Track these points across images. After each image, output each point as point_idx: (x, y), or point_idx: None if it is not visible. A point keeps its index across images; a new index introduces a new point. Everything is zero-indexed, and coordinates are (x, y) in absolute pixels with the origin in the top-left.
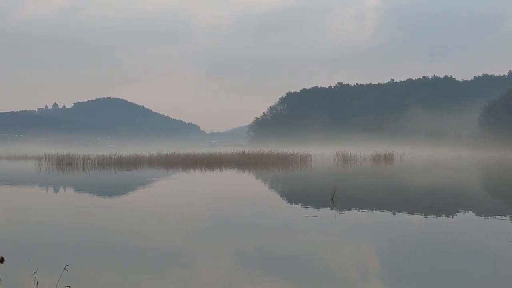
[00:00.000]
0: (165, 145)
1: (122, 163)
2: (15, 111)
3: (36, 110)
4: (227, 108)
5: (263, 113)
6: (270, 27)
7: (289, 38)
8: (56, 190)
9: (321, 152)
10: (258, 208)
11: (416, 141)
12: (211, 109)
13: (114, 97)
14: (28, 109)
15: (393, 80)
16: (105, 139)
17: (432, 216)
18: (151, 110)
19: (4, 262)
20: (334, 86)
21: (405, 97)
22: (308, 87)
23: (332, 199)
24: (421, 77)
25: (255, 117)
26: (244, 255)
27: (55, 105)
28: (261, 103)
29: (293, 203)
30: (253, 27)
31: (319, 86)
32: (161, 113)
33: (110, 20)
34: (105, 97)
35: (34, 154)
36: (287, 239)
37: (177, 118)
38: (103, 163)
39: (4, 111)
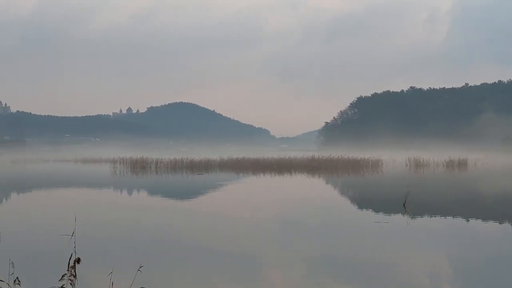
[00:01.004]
0: (235, 149)
1: (194, 166)
2: (91, 115)
3: (111, 114)
4: (297, 113)
5: (333, 117)
6: (339, 31)
7: (359, 42)
8: (130, 193)
9: (393, 157)
10: (328, 213)
11: (490, 147)
12: (281, 114)
13: (186, 102)
14: (103, 114)
15: (467, 84)
16: (177, 143)
17: (507, 223)
18: (222, 114)
19: (80, 262)
20: (406, 91)
21: (480, 102)
22: (379, 91)
23: (404, 205)
24: (496, 81)
25: (325, 122)
26: (313, 260)
27: (129, 109)
28: (331, 108)
29: (364, 209)
30: (323, 31)
31: (391, 91)
32: (231, 117)
33: (182, 26)
34: (178, 101)
35: (109, 158)
36: (358, 244)
37: (247, 123)
38: (175, 166)
39: (80, 116)
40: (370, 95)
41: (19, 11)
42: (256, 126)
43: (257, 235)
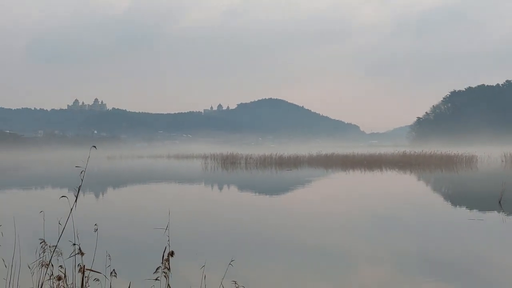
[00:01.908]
0: (324, 145)
1: (283, 162)
2: (183, 112)
3: (203, 111)
4: (387, 108)
5: (426, 112)
6: (431, 24)
7: (451, 35)
8: (220, 188)
9: (487, 153)
10: (420, 209)
11: None
12: (371, 109)
13: (275, 98)
14: (195, 111)
15: None
16: (266, 139)
17: None
18: (310, 110)
19: (174, 256)
20: (502, 84)
21: None
22: (473, 85)
23: (499, 202)
24: None
25: (417, 117)
26: (405, 257)
27: (219, 106)
28: (422, 103)
29: (458, 206)
30: (413, 24)
31: (485, 84)
32: (320, 113)
33: (270, 22)
34: (267, 98)
35: (200, 153)
36: (451, 241)
37: (336, 119)
38: (265, 162)
39: (173, 112)
40: (464, 89)
41: (115, 11)
42: (346, 122)
43: (348, 231)
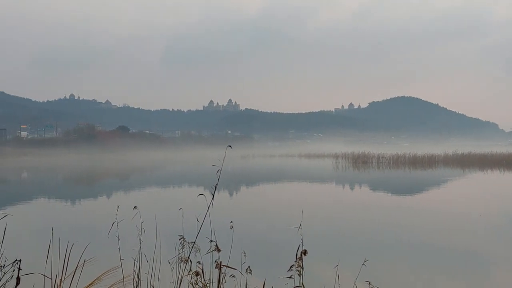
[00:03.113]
0: (460, 144)
1: (416, 162)
2: (314, 111)
3: (333, 110)
4: None
5: None
6: None
7: None
8: (352, 188)
9: None
10: None
11: None
12: (510, 106)
13: (408, 96)
14: (326, 110)
15: None
16: (399, 138)
17: None
18: (446, 108)
19: (307, 254)
20: None
21: None
22: None
23: None
24: None
25: None
26: None
27: (350, 105)
28: None
29: None
30: None
31: None
32: (456, 111)
33: (401, 20)
34: (399, 96)
35: (331, 153)
36: None
37: (473, 116)
38: (397, 162)
39: (304, 112)
40: None
41: (246, 14)
42: (483, 120)
43: (485, 234)
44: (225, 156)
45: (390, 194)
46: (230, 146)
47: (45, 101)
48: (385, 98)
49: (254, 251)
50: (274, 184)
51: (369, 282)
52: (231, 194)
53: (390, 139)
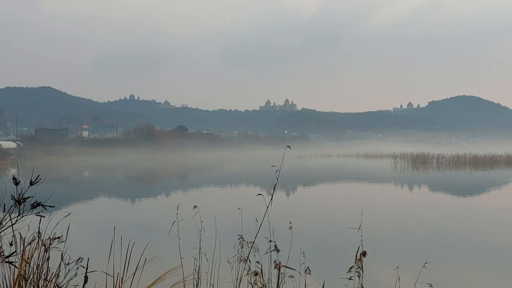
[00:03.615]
0: None
1: (477, 162)
2: (372, 111)
3: (392, 110)
4: None
5: None
6: None
7: None
8: (411, 188)
9: None
10: None
11: None
12: None
13: (468, 95)
14: (384, 109)
15: None
16: (459, 137)
17: None
18: (508, 107)
19: (366, 255)
20: None
21: None
22: None
23: None
24: None
25: None
26: None
27: (409, 104)
28: None
29: None
30: None
31: None
32: None
33: (463, 16)
34: (459, 95)
35: (389, 153)
36: None
37: None
38: (458, 162)
39: (362, 111)
40: None
41: (304, 13)
42: None
43: None
44: (283, 156)
45: (451, 195)
46: (289, 147)
47: (106, 102)
48: (445, 97)
49: (313, 251)
50: (331, 184)
51: (430, 284)
52: (288, 194)
53: (450, 139)
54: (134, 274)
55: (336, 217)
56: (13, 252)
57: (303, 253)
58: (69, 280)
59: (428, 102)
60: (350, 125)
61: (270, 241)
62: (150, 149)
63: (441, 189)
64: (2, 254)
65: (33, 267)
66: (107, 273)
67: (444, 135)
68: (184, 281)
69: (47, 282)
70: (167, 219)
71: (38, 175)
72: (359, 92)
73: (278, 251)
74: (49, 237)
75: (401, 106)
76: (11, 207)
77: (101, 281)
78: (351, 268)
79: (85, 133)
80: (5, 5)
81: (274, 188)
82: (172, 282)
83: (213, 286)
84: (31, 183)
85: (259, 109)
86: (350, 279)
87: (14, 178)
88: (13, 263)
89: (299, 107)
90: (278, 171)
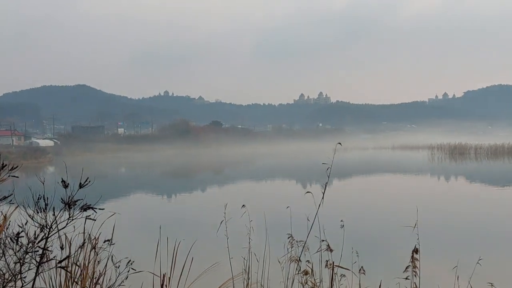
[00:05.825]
0: None
1: None
2: (407, 102)
3: (427, 100)
4: None
5: None
6: None
7: None
8: (454, 180)
9: None
10: None
11: None
12: None
13: (505, 84)
14: (419, 100)
15: None
16: (496, 127)
17: None
18: None
19: (421, 254)
20: None
21: None
22: None
23: None
24: None
25: None
26: None
27: (445, 94)
28: None
29: None
30: None
31: None
32: None
33: (497, 2)
34: (496, 84)
35: (426, 144)
36: None
37: None
38: (496, 152)
39: (396, 103)
40: None
41: (337, 5)
42: None
43: None
44: (334, 153)
45: (496, 186)
46: (339, 143)
47: (141, 98)
48: (481, 87)
49: (367, 250)
50: (374, 177)
51: (491, 283)
52: (336, 190)
53: (487, 128)
54: (181, 273)
55: (389, 214)
56: (66, 257)
57: (357, 252)
58: (115, 280)
59: (464, 92)
60: (384, 117)
61: (322, 240)
62: (185, 145)
63: (485, 180)
64: (54, 258)
65: (81, 268)
66: (153, 273)
67: (480, 125)
68: (233, 280)
69: (95, 284)
70: (212, 216)
71: (87, 178)
72: (394, 84)
73: (331, 251)
74: (95, 237)
75: (436, 96)
76: (60, 210)
77: (148, 280)
78: (407, 267)
79: (121, 130)
80: (40, 5)
81: (326, 186)
82: (221, 281)
83: (263, 286)
84: (80, 186)
85: (293, 102)
86: (406, 278)
87: (63, 181)
88: (66, 268)
89: (333, 100)
90: (329, 169)
